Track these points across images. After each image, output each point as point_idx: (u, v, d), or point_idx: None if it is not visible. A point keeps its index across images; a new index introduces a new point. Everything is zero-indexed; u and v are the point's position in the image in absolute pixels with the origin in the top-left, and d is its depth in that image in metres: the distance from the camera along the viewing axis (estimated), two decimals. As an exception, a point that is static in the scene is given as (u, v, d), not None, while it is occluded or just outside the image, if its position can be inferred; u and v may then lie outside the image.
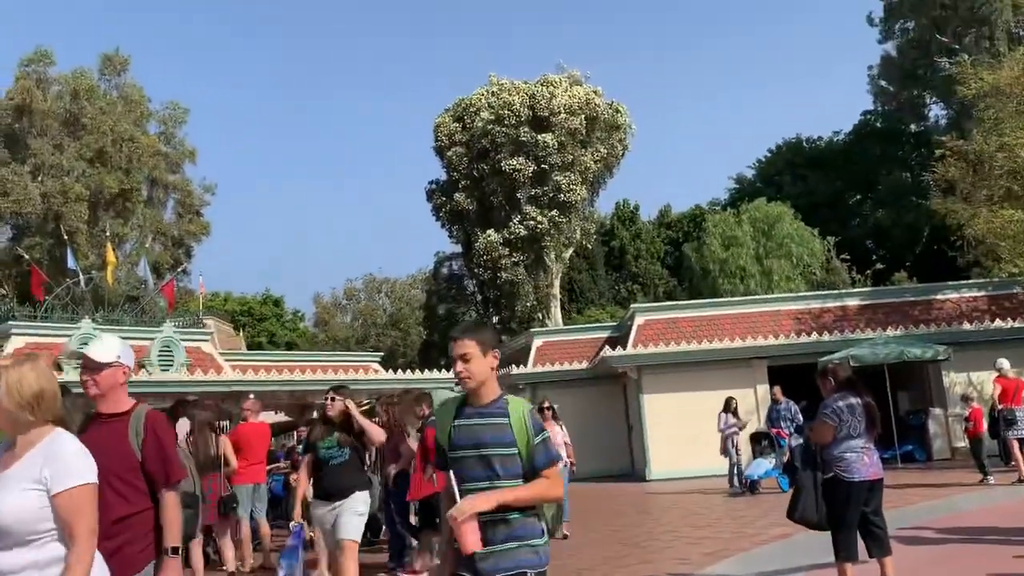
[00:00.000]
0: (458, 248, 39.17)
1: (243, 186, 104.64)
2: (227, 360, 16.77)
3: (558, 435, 10.76)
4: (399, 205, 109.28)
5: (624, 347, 19.16)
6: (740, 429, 14.40)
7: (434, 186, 38.02)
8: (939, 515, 9.50)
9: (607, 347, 20.34)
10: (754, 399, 17.31)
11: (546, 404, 11.29)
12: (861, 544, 6.08)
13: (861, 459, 5.96)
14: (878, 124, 45.70)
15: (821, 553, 6.54)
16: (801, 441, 13.21)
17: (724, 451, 14.47)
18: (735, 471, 14.29)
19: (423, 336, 47.81)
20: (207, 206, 41.51)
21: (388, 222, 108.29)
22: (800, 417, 14.02)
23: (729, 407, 14.55)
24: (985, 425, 12.56)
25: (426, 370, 20.60)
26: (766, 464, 13.64)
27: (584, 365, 21.11)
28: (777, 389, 14.77)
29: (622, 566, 7.99)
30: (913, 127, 44.33)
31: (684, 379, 18.24)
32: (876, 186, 42.25)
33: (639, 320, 20.49)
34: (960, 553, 7.25)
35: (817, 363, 16.04)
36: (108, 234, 29.98)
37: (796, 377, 18.20)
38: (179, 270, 37.68)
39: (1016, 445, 11.95)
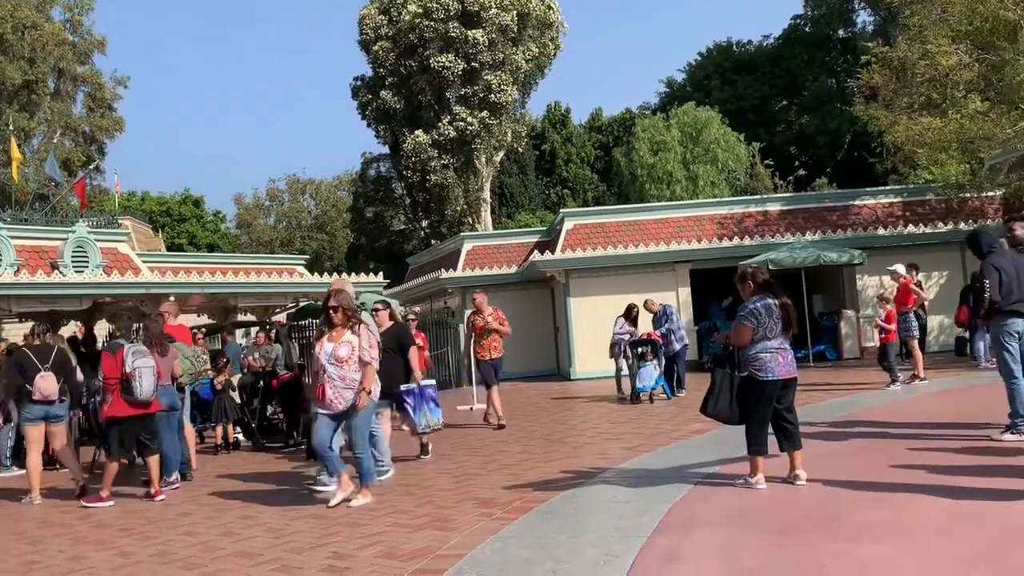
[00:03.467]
0: (386, 149, 38.38)
1: (157, 80, 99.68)
2: (146, 262, 16.25)
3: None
4: (324, 102, 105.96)
5: (553, 251, 19.30)
6: (631, 337, 13.63)
7: (360, 83, 36.84)
8: (846, 412, 10.01)
9: (536, 251, 20.47)
10: (676, 302, 17.73)
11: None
12: (773, 439, 6.38)
13: (775, 359, 6.18)
14: (807, 29, 45.84)
15: (734, 447, 6.85)
16: (678, 347, 13.56)
17: (612, 355, 13.90)
18: (620, 377, 13.87)
19: (350, 239, 47.23)
20: (119, 100, 39.56)
21: (312, 120, 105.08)
22: (676, 322, 13.86)
23: (630, 314, 13.91)
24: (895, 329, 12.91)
25: (353, 273, 20.40)
26: (654, 373, 13.07)
27: (514, 269, 21.23)
28: (650, 300, 14.47)
29: (545, 460, 8.23)
30: (841, 32, 44.64)
31: (610, 283, 18.54)
32: (802, 92, 42.71)
33: (568, 224, 20.58)
34: (864, 447, 7.69)
35: (737, 267, 16.51)
36: (12, 128, 28.30)
37: (718, 280, 18.70)
38: (91, 167, 36.02)
39: (915, 344, 12.56)
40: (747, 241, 18.97)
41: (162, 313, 9.80)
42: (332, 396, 6.76)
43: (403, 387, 8.59)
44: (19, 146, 24.80)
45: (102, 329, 17.40)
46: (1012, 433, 7.21)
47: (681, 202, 25.06)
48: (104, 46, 38.56)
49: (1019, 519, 4.91)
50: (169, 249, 44.60)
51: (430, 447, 9.23)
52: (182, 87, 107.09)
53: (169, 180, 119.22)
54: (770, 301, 6.24)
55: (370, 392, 6.88)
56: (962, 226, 18.64)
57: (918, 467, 6.39)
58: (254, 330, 20.75)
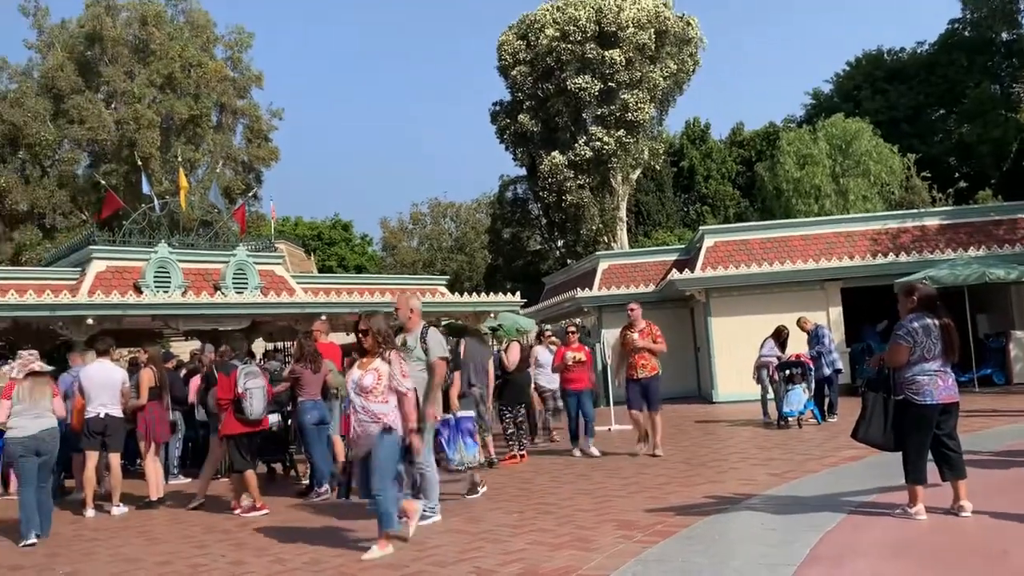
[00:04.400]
0: (523, 171, 38.86)
1: (310, 112, 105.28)
2: (299, 283, 17.14)
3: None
4: (465, 128, 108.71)
5: (692, 270, 18.90)
6: (779, 360, 13.00)
7: (498, 107, 37.54)
8: (1015, 440, 9.26)
9: (675, 270, 20.11)
10: (826, 322, 16.94)
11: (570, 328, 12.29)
12: (935, 468, 5.97)
13: (934, 382, 5.81)
14: (966, 33, 43.03)
15: (893, 476, 6.46)
16: (828, 372, 12.85)
17: (758, 379, 13.30)
18: (766, 400, 13.27)
19: (488, 260, 48.04)
20: (275, 131, 41.94)
21: (454, 145, 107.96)
22: (829, 344, 13.25)
23: (779, 336, 13.28)
24: None
25: (491, 293, 20.73)
26: (803, 397, 12.47)
27: (651, 288, 20.94)
28: (804, 318, 13.88)
29: (688, 484, 8.04)
30: (1004, 35, 41.63)
31: (753, 302, 17.97)
32: (961, 99, 40.08)
33: (708, 242, 20.11)
34: (1039, 478, 7.08)
35: (893, 285, 15.60)
36: (180, 160, 30.56)
37: (871, 300, 17.75)
38: (250, 195, 38.36)
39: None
40: (903, 258, 17.92)
41: (314, 331, 10.30)
42: (357, 430, 6.14)
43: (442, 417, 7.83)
44: (186, 176, 26.78)
45: (259, 347, 18.47)
46: None
47: (830, 217, 23.93)
48: (261, 80, 41.13)
49: None
50: (320, 271, 46.86)
51: (480, 487, 8.39)
52: (332, 118, 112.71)
53: (320, 206, 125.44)
54: (929, 321, 5.87)
55: (421, 430, 6.25)
56: None
57: (1105, 503, 5.82)
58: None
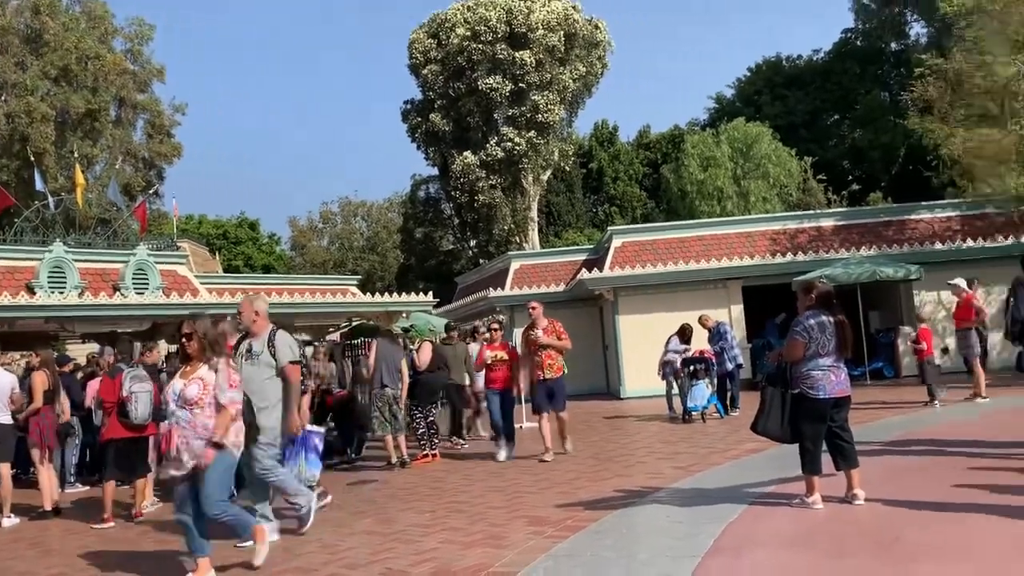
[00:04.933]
0: (435, 171, 38.74)
1: (214, 107, 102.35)
2: (203, 283, 16.67)
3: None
4: (376, 126, 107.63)
5: (601, 269, 19.26)
6: (683, 355, 13.35)
7: (409, 106, 37.33)
8: (904, 430, 9.79)
9: (584, 269, 20.45)
10: (728, 319, 17.52)
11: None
12: (829, 459, 6.27)
13: (827, 377, 6.10)
14: (858, 42, 45.16)
15: (791, 467, 6.75)
16: (730, 367, 13.35)
17: (663, 375, 13.68)
18: (671, 396, 13.73)
19: (400, 260, 47.71)
20: (178, 126, 40.60)
21: (365, 144, 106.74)
22: (730, 340, 13.67)
23: (684, 334, 13.60)
24: (935, 348, 12.80)
25: (403, 293, 20.62)
26: (707, 392, 12.88)
27: (561, 288, 21.24)
28: (706, 315, 14.30)
29: (597, 479, 8.20)
30: (893, 45, 43.89)
31: (660, 301, 18.43)
32: (854, 106, 42.03)
33: (616, 242, 20.52)
34: (923, 466, 7.51)
35: (791, 283, 16.25)
36: (76, 155, 29.29)
37: (770, 297, 18.44)
38: (151, 192, 37.03)
39: (976, 362, 12.24)
40: (800, 257, 18.70)
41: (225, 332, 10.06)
42: (179, 446, 5.36)
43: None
44: (83, 172, 25.66)
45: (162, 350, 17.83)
46: None
47: (732, 218, 24.77)
48: (163, 75, 39.73)
49: (1089, 541, 4.75)
50: (226, 271, 45.62)
51: (325, 497, 7.83)
52: (237, 113, 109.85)
53: (226, 204, 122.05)
54: (824, 318, 6.15)
55: (222, 445, 5.42)
56: (1024, 240, 18.14)
57: (980, 487, 6.22)
58: (308, 349, 21.05)
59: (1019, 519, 5.21)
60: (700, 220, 26.00)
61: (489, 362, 10.84)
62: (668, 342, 13.72)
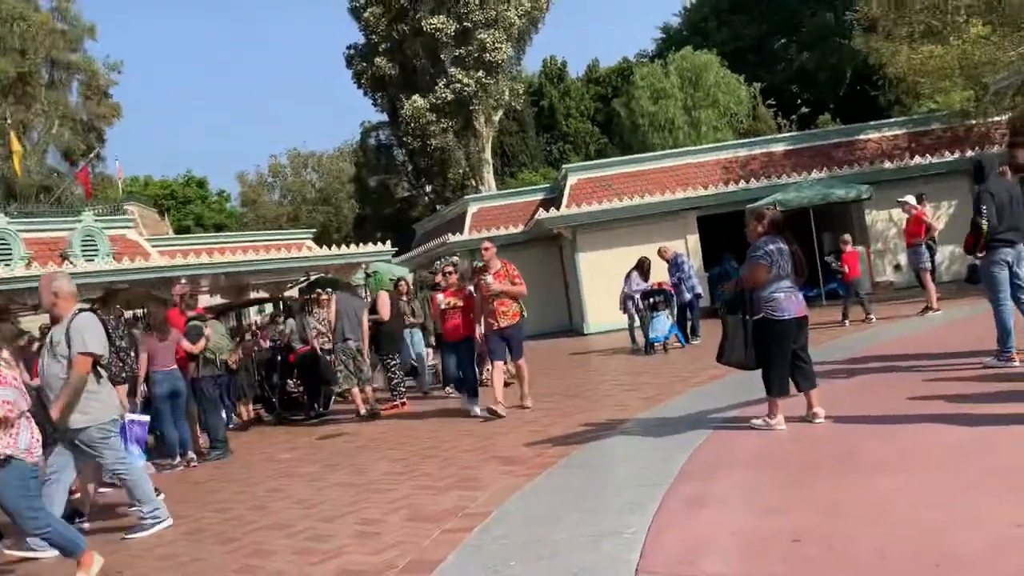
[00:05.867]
0: (384, 117, 38.14)
1: (152, 63, 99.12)
2: (154, 246, 16.36)
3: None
4: (321, 73, 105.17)
5: (558, 208, 19.27)
6: (643, 288, 13.46)
7: (353, 51, 36.49)
8: (862, 347, 10.05)
9: (541, 209, 20.43)
10: (685, 249, 17.70)
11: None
12: (790, 380, 6.41)
13: (789, 298, 6.21)
14: (803, -38, 44.89)
15: (751, 391, 6.90)
16: (689, 297, 13.56)
17: (624, 309, 13.85)
18: (633, 329, 13.91)
19: (356, 210, 47.18)
20: (115, 86, 39.33)
21: (310, 92, 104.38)
22: (688, 271, 13.80)
23: (642, 267, 13.67)
24: (859, 268, 13.36)
25: (361, 244, 20.43)
26: (667, 322, 13.07)
27: (520, 229, 21.22)
28: (664, 247, 14.38)
29: (565, 416, 8.32)
30: (838, -36, 43.74)
31: (618, 236, 18.52)
32: (801, 28, 42.00)
33: (571, 180, 20.50)
34: (879, 381, 7.73)
35: (745, 210, 16.42)
36: (10, 122, 28.26)
37: (725, 226, 18.64)
38: (92, 156, 35.99)
39: (927, 276, 12.58)
40: (753, 184, 18.86)
41: (183, 295, 9.95)
42: None
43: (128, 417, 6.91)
44: (19, 139, 24.80)
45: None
46: (999, 359, 7.27)
47: (684, 149, 24.83)
48: (94, 32, 38.30)
49: (1037, 442, 4.94)
50: (177, 232, 44.73)
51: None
52: (173, 67, 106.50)
53: (171, 163, 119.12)
54: (781, 244, 6.24)
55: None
56: (969, 154, 18.50)
57: (933, 398, 6.43)
58: (268, 307, 20.88)
59: (970, 426, 5.41)
60: (653, 153, 26.01)
61: (443, 308, 9.98)
62: (628, 276, 13.85)
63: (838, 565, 3.48)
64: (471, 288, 9.82)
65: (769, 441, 5.96)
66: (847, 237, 13.66)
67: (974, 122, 18.66)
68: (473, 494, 5.67)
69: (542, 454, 6.60)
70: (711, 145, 24.55)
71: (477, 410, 9.41)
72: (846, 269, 13.08)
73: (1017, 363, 7.22)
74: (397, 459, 7.46)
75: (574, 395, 9.87)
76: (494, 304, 9.10)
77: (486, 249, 9.52)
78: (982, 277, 7.64)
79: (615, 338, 15.76)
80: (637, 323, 13.74)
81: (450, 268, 10.34)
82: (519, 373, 9.42)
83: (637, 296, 13.50)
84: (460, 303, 9.86)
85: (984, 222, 7.29)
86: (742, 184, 18.93)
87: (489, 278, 9.12)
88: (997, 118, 18.56)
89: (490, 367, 10.37)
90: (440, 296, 10.17)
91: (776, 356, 6.24)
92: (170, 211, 52.14)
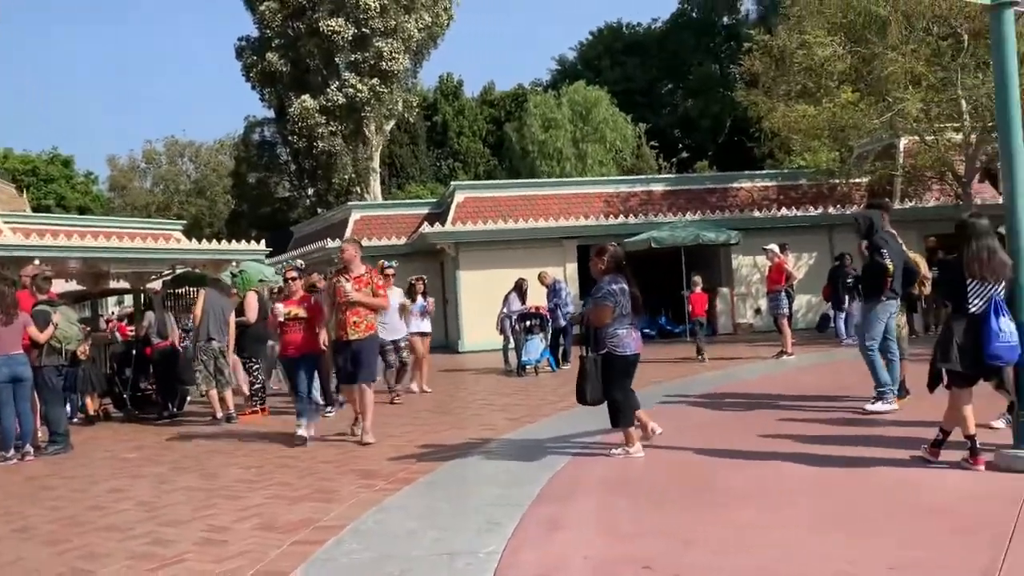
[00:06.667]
0: (271, 113, 37.13)
1: (20, 28, 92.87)
2: (7, 222, 15.24)
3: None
4: (207, 62, 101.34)
5: (443, 223, 19.24)
6: (520, 311, 13.62)
7: (244, 43, 35.42)
8: (719, 384, 10.46)
9: (426, 223, 20.35)
10: (563, 276, 18.01)
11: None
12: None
13: (630, 335, 6.52)
14: (693, 14, 46.98)
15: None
16: (564, 323, 13.89)
17: (501, 330, 13.92)
18: (507, 350, 13.94)
19: (231, 205, 45.61)
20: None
21: (193, 80, 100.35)
22: (565, 297, 14.08)
23: (520, 288, 13.85)
24: (704, 310, 14.26)
25: (234, 240, 19.70)
26: (540, 346, 13.28)
27: (403, 240, 21.04)
28: (545, 272, 14.58)
29: (431, 432, 8.25)
30: (726, 19, 45.99)
31: (499, 257, 18.65)
32: (688, 76, 43.84)
33: (459, 197, 20.53)
34: (735, 417, 8.07)
35: (622, 244, 16.90)
36: None
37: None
38: (-55, 120, 33.32)
39: (785, 322, 13.25)
40: (632, 219, 19.44)
41: (35, 277, 9.32)
42: None
43: None
44: None
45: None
46: (882, 402, 7.65)
47: (570, 179, 25.42)
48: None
49: (876, 484, 5.27)
50: (35, 210, 41.88)
51: None
52: (49, 36, 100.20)
53: (35, 137, 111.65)
54: (623, 283, 6.49)
55: None
56: (831, 210, 19.69)
57: (785, 436, 6.76)
58: (128, 298, 19.84)
59: (820, 466, 5.71)
60: (540, 180, 26.48)
61: (282, 320, 8.34)
62: (507, 297, 13.96)
63: (683, 593, 3.57)
64: (317, 298, 8.64)
65: (626, 469, 6.10)
66: (697, 278, 14.35)
67: (838, 181, 19.92)
68: (329, 506, 5.52)
69: (405, 469, 6.52)
70: (596, 178, 25.24)
71: (302, 431, 8.11)
72: (690, 308, 13.85)
73: (896, 406, 7.57)
74: (252, 466, 7.19)
75: (443, 412, 9.82)
76: (346, 313, 7.85)
77: (343, 251, 8.13)
78: (867, 322, 7.75)
79: (489, 358, 15.81)
80: (511, 344, 13.83)
81: (293, 273, 8.88)
82: (362, 400, 7.95)
83: (513, 317, 13.61)
84: (303, 313, 8.37)
85: (888, 262, 7.42)
86: (621, 219, 19.48)
87: (347, 284, 7.87)
88: (858, 180, 19.89)
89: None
90: (279, 305, 8.53)
91: (621, 389, 6.47)
92: (30, 188, 48.85)
